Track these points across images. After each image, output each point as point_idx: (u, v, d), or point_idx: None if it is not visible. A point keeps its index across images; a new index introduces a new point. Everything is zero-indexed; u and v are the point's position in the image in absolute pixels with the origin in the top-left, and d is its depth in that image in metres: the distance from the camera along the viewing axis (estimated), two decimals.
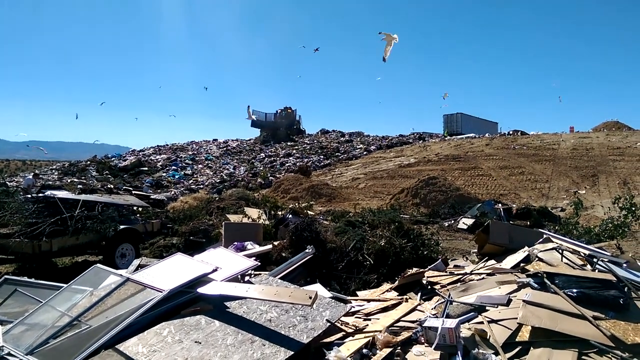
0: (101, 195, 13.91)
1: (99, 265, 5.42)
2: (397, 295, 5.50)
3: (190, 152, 40.78)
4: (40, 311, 4.61)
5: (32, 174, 30.06)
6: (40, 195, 10.06)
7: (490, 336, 3.93)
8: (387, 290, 5.88)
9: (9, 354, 4.00)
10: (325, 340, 4.15)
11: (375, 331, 4.21)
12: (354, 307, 5.15)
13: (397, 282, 5.86)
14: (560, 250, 5.76)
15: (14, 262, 9.00)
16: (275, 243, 8.29)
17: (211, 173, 32.52)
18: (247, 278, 5.72)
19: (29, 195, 10.39)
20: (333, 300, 4.80)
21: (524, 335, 3.93)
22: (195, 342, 3.97)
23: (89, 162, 35.81)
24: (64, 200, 9.41)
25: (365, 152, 38.56)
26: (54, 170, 33.76)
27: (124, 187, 23.59)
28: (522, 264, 5.64)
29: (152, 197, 17.93)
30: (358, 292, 6.30)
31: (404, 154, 34.68)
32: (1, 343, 4.11)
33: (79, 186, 21.64)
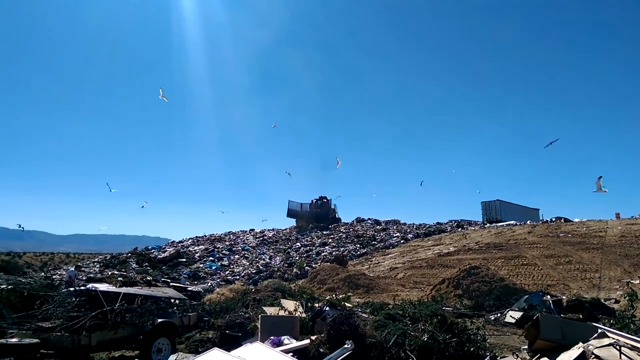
0: (141, 287, 14.05)
1: None
2: None
3: (227, 243, 41.25)
4: None
5: (75, 266, 30.90)
6: (83, 288, 10.25)
7: None
8: None
9: None
10: None
11: None
12: None
13: None
14: (618, 347, 5.38)
15: (52, 358, 9.00)
16: (313, 338, 8.06)
17: (247, 263, 32.58)
18: None
19: (72, 289, 10.60)
20: None
21: None
22: None
23: (129, 254, 36.66)
24: (105, 293, 9.55)
25: (402, 241, 37.99)
26: (95, 263, 34.66)
27: (162, 279, 23.81)
28: None
29: (189, 288, 17.96)
30: None
31: (442, 242, 33.97)
32: None
33: (119, 278, 22.01)
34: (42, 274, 25.21)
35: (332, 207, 49.72)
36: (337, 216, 49.47)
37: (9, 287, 13.42)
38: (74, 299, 9.40)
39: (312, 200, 50.16)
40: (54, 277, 23.26)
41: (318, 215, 48.34)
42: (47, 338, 8.43)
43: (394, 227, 45.84)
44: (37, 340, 8.40)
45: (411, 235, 40.06)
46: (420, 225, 46.65)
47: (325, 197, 49.97)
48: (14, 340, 8.35)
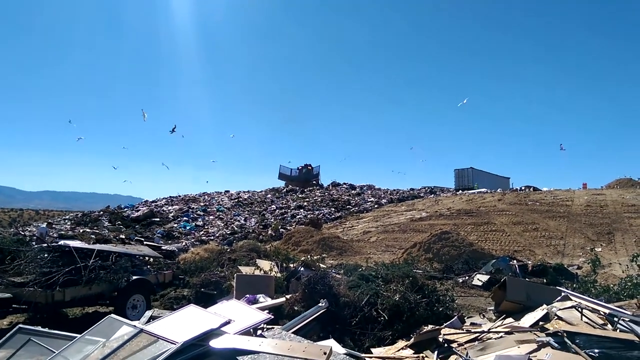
0: (115, 245, 13.95)
1: (112, 315, 5.40)
2: (413, 354, 5.38)
3: (202, 204, 41.02)
4: None
5: (46, 223, 30.36)
6: (55, 244, 10.13)
7: None
8: (402, 348, 5.74)
9: None
10: None
11: None
12: None
13: (412, 339, 5.74)
14: (579, 309, 5.66)
15: (25, 312, 8.96)
16: (288, 296, 8.22)
17: (222, 224, 32.57)
18: (259, 332, 5.64)
19: (44, 245, 10.46)
20: (347, 357, 4.70)
21: None
22: None
23: (101, 213, 36.13)
24: (78, 249, 9.46)
25: (376, 206, 38.53)
26: (66, 220, 34.07)
27: (136, 238, 23.67)
28: (541, 323, 5.53)
29: (163, 247, 17.93)
30: (372, 349, 6.16)
31: (415, 208, 34.58)
32: None
33: (92, 236, 21.77)
34: (12, 229, 24.71)
35: (316, 173, 54.94)
36: (320, 182, 53.67)
37: None
38: (46, 255, 9.29)
39: (299, 167, 55.91)
40: (24, 233, 22.82)
41: (305, 180, 53.60)
42: (19, 293, 8.37)
43: (369, 192, 46.38)
44: (9, 294, 8.34)
45: (385, 200, 40.63)
46: (394, 190, 47.29)
47: (310, 165, 55.70)
48: None
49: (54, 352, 4.72)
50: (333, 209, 37.61)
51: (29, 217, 53.07)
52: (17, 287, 8.50)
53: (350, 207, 38.55)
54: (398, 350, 5.67)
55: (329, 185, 51.29)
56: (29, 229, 27.30)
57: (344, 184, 51.52)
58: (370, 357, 5.53)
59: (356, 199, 41.94)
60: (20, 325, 5.49)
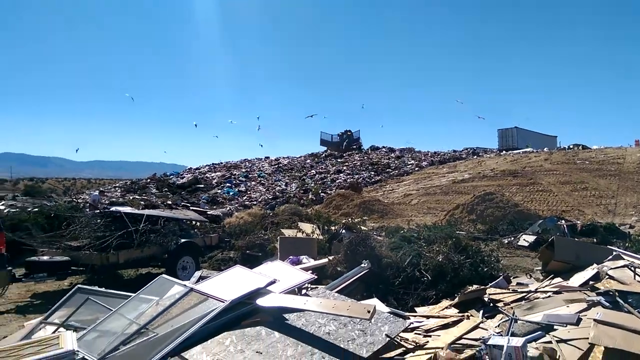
0: (163, 210, 14.45)
1: (164, 276, 5.64)
2: (458, 313, 5.36)
3: (243, 170, 41.71)
4: (110, 319, 4.85)
5: (98, 190, 31.71)
6: (107, 210, 10.60)
7: (559, 356, 3.75)
8: (446, 307, 5.74)
9: (83, 358, 4.23)
10: (385, 356, 4.09)
11: (437, 348, 4.11)
12: (412, 323, 5.06)
13: (457, 298, 5.72)
14: (632, 268, 5.46)
15: (83, 274, 9.50)
16: (330, 257, 8.32)
17: (264, 190, 33.10)
18: (304, 291, 5.77)
19: (97, 211, 10.97)
20: (391, 316, 4.74)
21: (596, 356, 3.72)
22: (257, 352, 4.04)
23: (149, 180, 37.35)
24: (129, 214, 9.87)
25: (416, 168, 38.03)
26: (117, 188, 35.45)
27: (182, 204, 24.41)
28: (591, 282, 5.38)
29: (208, 212, 18.44)
30: (416, 308, 6.19)
31: (457, 170, 33.93)
32: (76, 348, 4.34)
33: (141, 202, 22.61)
34: (67, 197, 25.98)
35: (356, 138, 55.28)
36: (362, 147, 54.10)
37: (35, 209, 13.98)
38: (99, 220, 9.76)
39: (339, 133, 56.34)
40: (77, 200, 23.98)
41: (346, 145, 53.89)
42: (76, 256, 8.88)
43: (409, 154, 45.76)
44: (67, 258, 8.85)
45: (426, 163, 40.04)
46: (435, 152, 46.46)
47: (349, 131, 56.04)
48: (45, 257, 8.82)
49: (111, 310, 5.00)
50: (373, 173, 37.42)
51: (82, 185, 55.69)
52: (74, 251, 9.02)
53: (390, 170, 38.23)
54: (442, 310, 5.66)
55: (368, 149, 50.99)
56: (82, 197, 28.62)
57: (383, 147, 51.03)
58: (414, 316, 5.56)
59: (396, 162, 41.51)
60: (79, 286, 5.84)
